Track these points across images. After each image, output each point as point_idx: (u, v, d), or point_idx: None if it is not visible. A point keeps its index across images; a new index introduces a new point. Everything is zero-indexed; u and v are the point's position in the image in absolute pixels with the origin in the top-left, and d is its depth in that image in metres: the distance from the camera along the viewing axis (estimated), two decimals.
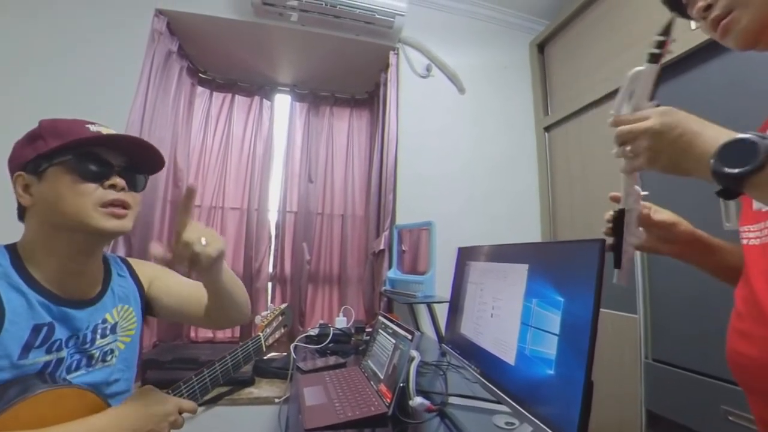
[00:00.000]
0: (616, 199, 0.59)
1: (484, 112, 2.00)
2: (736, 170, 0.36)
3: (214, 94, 2.08)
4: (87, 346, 0.60)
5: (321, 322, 1.60)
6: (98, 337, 0.62)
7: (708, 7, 0.49)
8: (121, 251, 1.37)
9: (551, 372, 0.63)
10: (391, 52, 1.85)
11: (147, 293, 0.73)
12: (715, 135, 0.40)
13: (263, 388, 1.37)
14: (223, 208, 1.97)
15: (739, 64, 1.14)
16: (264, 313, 0.96)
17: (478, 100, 2.00)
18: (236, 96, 2.11)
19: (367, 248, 1.89)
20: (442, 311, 1.30)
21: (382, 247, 1.71)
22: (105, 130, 0.59)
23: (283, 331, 0.96)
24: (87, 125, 0.58)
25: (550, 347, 0.64)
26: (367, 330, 1.50)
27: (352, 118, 2.24)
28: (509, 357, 0.76)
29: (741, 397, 0.50)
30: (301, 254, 1.97)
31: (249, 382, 1.38)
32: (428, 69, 1.92)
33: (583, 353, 0.57)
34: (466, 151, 1.92)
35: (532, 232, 1.96)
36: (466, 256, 1.16)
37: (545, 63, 2.11)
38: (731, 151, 0.37)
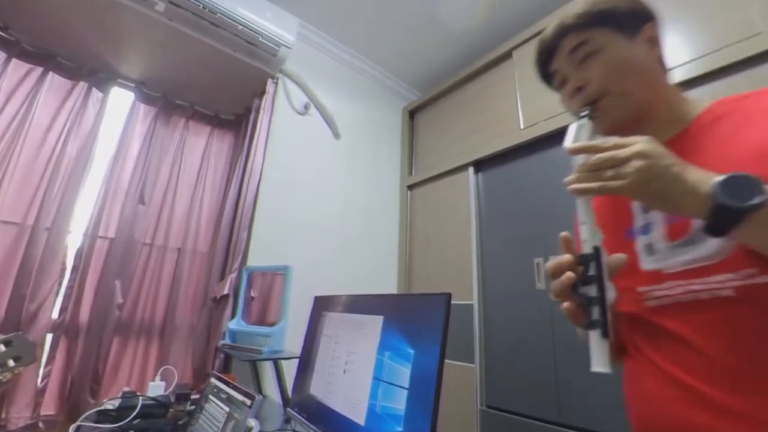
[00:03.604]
0: (567, 242, 0.48)
1: (356, 162, 2.16)
2: (746, 203, 0.36)
3: (15, 61, 1.62)
4: None
5: (126, 389, 1.28)
6: None
7: (581, 88, 0.58)
8: None
9: (400, 429, 0.66)
10: (270, 80, 1.85)
11: None
12: (698, 171, 0.41)
13: None
14: None
15: (550, 161, 1.59)
16: None
17: (351, 149, 2.15)
18: (51, 73, 1.69)
19: (207, 292, 1.67)
20: (291, 369, 1.23)
21: (226, 292, 1.55)
22: None
23: (14, 364, 0.74)
24: None
25: (399, 402, 0.68)
26: (193, 397, 1.27)
27: (211, 138, 2.07)
28: (359, 416, 0.77)
29: None
30: (110, 295, 1.59)
31: None
32: (306, 107, 1.99)
33: (429, 406, 0.62)
34: (335, 198, 2.01)
35: (389, 285, 2.12)
36: (322, 305, 1.16)
37: (414, 128, 2.47)
38: (738, 182, 0.37)
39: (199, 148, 2.03)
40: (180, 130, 1.99)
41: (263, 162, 1.75)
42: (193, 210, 1.91)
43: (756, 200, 0.36)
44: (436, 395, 0.62)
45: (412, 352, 0.71)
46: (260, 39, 1.67)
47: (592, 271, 0.44)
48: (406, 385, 0.68)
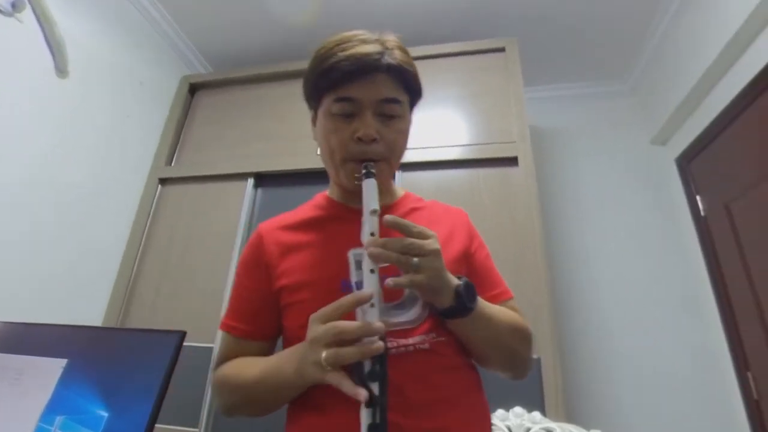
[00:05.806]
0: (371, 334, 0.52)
1: (82, 121, 1.72)
2: (471, 304, 0.60)
3: None
4: None
5: None
6: None
7: (374, 140, 0.66)
8: None
9: None
10: None
11: None
12: (446, 271, 0.60)
13: None
14: None
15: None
16: None
17: (81, 100, 1.71)
18: None
19: None
20: None
21: None
22: None
23: None
24: None
25: None
26: None
27: None
28: None
29: None
30: None
31: None
32: (16, 7, 1.49)
33: None
34: (24, 163, 1.50)
35: (93, 313, 1.72)
36: None
37: (191, 108, 2.21)
38: (469, 288, 0.61)
39: None
40: None
41: None
42: None
43: (474, 304, 0.61)
44: None
45: (105, 415, 0.59)
46: None
47: (378, 366, 0.49)
48: None
